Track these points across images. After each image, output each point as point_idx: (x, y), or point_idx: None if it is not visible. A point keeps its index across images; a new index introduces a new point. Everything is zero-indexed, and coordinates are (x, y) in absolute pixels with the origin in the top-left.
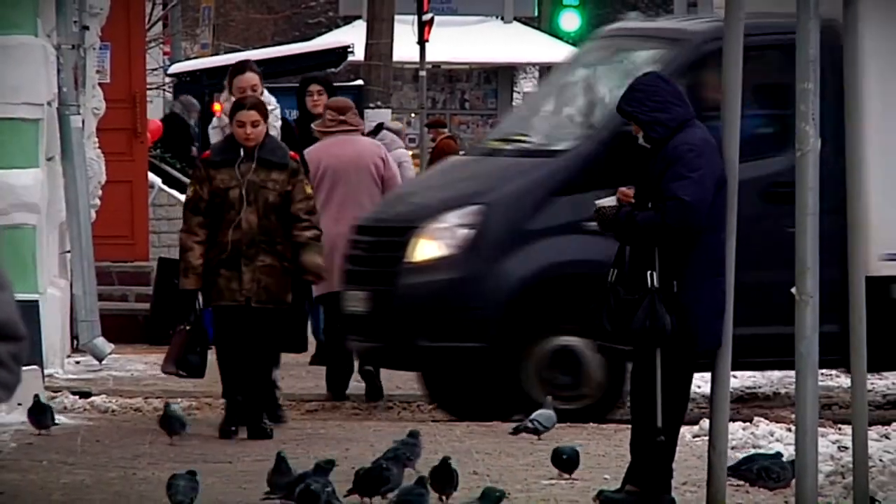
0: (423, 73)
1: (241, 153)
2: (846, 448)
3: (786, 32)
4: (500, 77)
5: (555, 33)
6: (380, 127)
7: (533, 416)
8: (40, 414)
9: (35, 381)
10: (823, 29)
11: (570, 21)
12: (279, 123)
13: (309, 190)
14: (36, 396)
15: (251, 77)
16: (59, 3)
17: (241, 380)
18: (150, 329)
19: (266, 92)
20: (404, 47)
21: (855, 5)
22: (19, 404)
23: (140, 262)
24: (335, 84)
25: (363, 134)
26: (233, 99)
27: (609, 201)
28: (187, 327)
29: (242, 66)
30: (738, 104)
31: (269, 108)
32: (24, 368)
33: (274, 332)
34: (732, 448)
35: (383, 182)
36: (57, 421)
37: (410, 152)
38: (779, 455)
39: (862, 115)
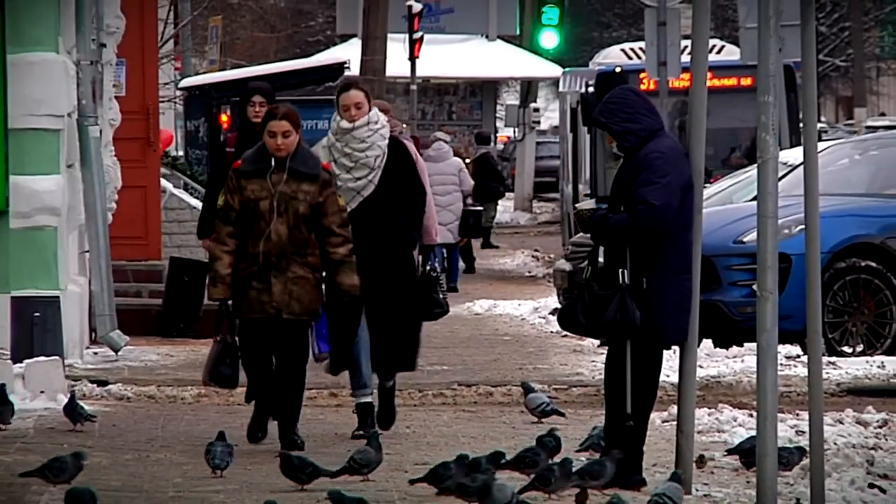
0: (413, 86)
1: (273, 163)
2: (803, 432)
3: None
4: (484, 90)
5: (535, 50)
6: (435, 138)
7: (545, 399)
8: (2, 405)
9: (56, 370)
10: None
11: (549, 39)
12: (385, 143)
13: (342, 202)
14: (2, 386)
15: (356, 94)
16: (79, 22)
17: (269, 392)
18: (163, 323)
19: (376, 110)
20: (396, 63)
21: (811, 24)
22: (42, 391)
23: (153, 261)
24: (331, 97)
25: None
26: (338, 118)
27: (587, 205)
28: (218, 338)
29: (348, 84)
30: (704, 117)
31: (376, 126)
32: (47, 359)
33: (303, 344)
34: (699, 432)
35: None
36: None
37: None
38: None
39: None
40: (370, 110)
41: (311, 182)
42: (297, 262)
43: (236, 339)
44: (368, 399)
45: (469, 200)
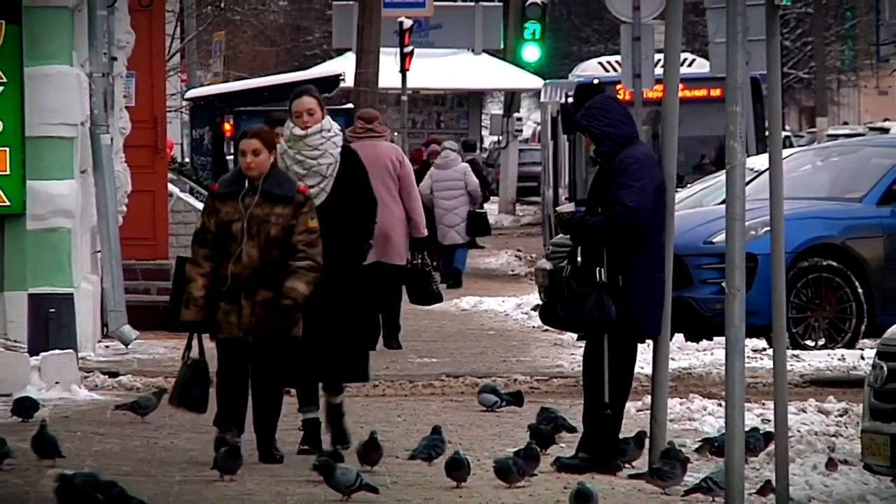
0: (404, 97)
1: (246, 185)
2: (769, 420)
3: None
4: (470, 101)
5: (518, 63)
6: (444, 147)
7: (498, 393)
8: (29, 406)
9: (70, 363)
10: None
11: (531, 53)
12: (337, 151)
13: (312, 223)
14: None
15: (308, 101)
16: (91, 37)
17: (240, 412)
18: (170, 318)
19: (329, 118)
20: (388, 75)
21: (775, 39)
22: (57, 382)
23: (160, 261)
24: (330, 107)
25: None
26: (290, 125)
27: (567, 208)
28: (188, 361)
29: (300, 91)
30: (676, 125)
31: (329, 134)
32: (61, 352)
33: (276, 366)
34: (671, 421)
35: (399, 179)
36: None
37: None
38: (755, 430)
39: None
40: (323, 118)
41: (284, 205)
42: (267, 285)
43: (206, 362)
44: (315, 415)
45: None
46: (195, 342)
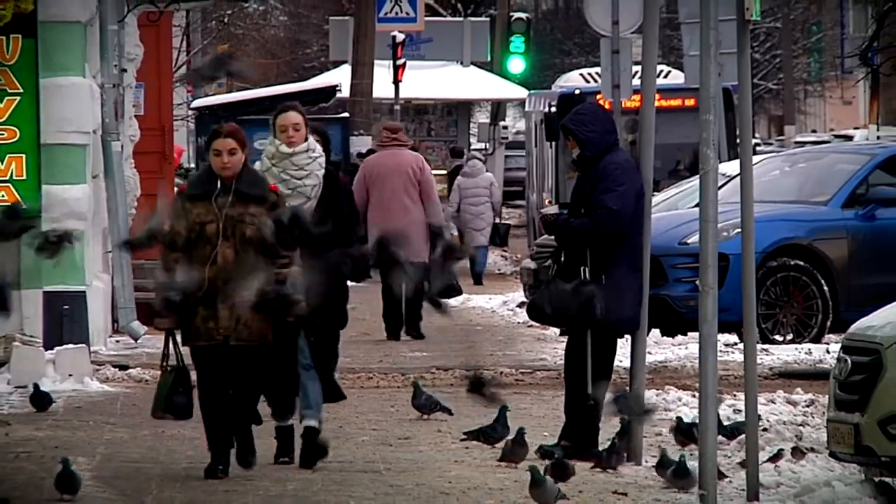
0: (397, 107)
1: (219, 186)
2: (740, 411)
3: None
4: (459, 110)
5: (504, 75)
6: (471, 156)
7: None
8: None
9: (83, 356)
10: None
11: (516, 65)
12: (321, 173)
13: None
14: (35, 386)
15: (294, 116)
16: (103, 50)
17: (226, 418)
18: None
19: (312, 139)
20: (382, 86)
21: (746, 52)
22: (70, 375)
23: None
24: (327, 115)
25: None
26: (271, 139)
27: (551, 210)
28: (168, 368)
29: (286, 106)
30: (653, 133)
31: (315, 154)
32: (74, 346)
33: (255, 370)
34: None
35: (420, 184)
36: (56, 401)
37: None
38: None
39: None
40: (307, 137)
41: (258, 204)
42: (244, 286)
43: (186, 366)
44: (313, 423)
45: (498, 218)
46: (172, 348)
